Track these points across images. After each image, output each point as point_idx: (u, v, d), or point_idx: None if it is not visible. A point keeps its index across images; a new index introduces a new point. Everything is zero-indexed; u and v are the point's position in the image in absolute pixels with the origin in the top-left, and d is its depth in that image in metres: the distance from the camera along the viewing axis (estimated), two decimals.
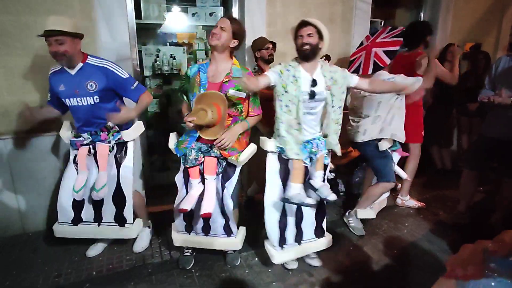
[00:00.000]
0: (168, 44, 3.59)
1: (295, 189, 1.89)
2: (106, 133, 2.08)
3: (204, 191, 1.96)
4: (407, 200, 3.08)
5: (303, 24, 1.91)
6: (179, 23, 3.40)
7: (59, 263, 2.21)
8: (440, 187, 3.52)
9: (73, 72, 1.97)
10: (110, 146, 2.09)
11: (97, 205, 2.16)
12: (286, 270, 2.14)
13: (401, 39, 2.40)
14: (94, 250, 2.31)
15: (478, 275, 0.50)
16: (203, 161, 1.96)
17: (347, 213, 2.68)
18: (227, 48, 1.93)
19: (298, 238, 2.12)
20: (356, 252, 2.36)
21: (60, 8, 2.36)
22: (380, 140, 2.46)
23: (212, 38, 1.87)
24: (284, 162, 2.00)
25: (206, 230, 2.10)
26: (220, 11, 3.24)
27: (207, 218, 2.01)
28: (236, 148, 1.96)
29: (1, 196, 2.48)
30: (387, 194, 2.99)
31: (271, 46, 2.66)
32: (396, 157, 2.61)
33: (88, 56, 2.01)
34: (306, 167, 1.99)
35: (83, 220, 2.18)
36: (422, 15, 4.07)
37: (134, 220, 2.23)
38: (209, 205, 1.91)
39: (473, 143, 3.04)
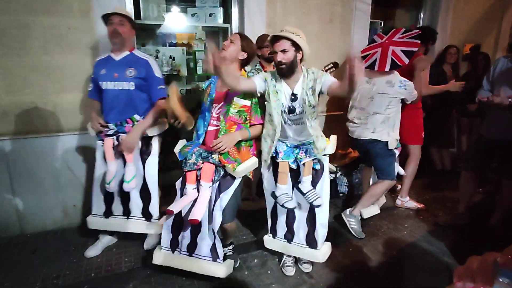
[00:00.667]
0: (167, 44, 3.58)
1: (281, 189, 1.99)
2: (131, 125, 2.13)
3: (198, 197, 1.91)
4: (406, 201, 3.08)
5: (275, 39, 1.80)
6: (179, 23, 3.40)
7: (58, 265, 2.21)
8: (440, 188, 3.52)
9: (117, 58, 2.14)
10: None
11: (125, 199, 2.23)
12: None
13: (419, 42, 2.42)
14: (93, 251, 2.30)
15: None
16: (201, 167, 1.92)
17: (347, 212, 2.65)
18: (236, 60, 1.95)
19: (289, 236, 2.15)
20: (356, 253, 2.36)
21: (59, 8, 2.36)
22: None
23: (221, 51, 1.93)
24: (275, 165, 2.04)
25: (192, 248, 1.96)
26: (220, 11, 3.23)
27: (196, 233, 1.94)
28: (238, 158, 1.91)
29: None
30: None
31: None
32: (397, 154, 2.63)
33: (135, 49, 2.20)
34: (298, 170, 2.01)
35: (113, 213, 2.27)
36: (422, 15, 4.06)
37: (161, 216, 2.24)
38: (199, 212, 1.84)
39: (472, 143, 3.04)
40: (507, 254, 0.49)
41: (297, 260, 2.21)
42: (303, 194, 1.96)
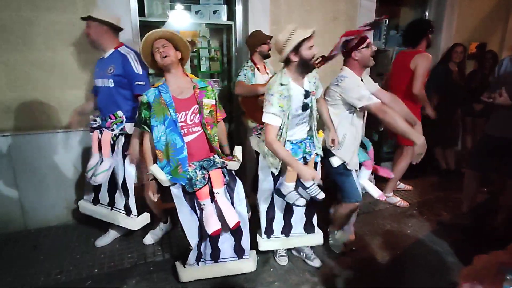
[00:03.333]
0: None
1: (289, 187, 1.95)
2: (113, 120, 2.15)
3: (220, 206, 1.84)
4: (389, 197, 3.07)
5: (312, 36, 1.72)
6: (182, 21, 3.38)
7: (60, 260, 2.22)
8: (443, 188, 3.49)
9: (105, 56, 2.17)
10: (112, 134, 2.14)
11: (112, 190, 2.27)
12: (288, 269, 2.13)
13: (366, 28, 2.00)
14: (103, 241, 2.38)
15: None
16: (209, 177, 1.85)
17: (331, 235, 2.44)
18: (177, 62, 1.86)
19: (286, 230, 2.17)
20: (359, 252, 2.35)
21: (62, 4, 2.35)
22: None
23: (164, 59, 1.78)
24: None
25: (215, 255, 1.99)
26: (224, 9, 3.21)
27: (216, 240, 1.95)
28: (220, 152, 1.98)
29: (3, 192, 2.49)
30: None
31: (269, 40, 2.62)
32: (365, 172, 2.19)
33: (123, 45, 2.17)
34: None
35: (100, 202, 2.33)
36: (427, 13, 4.03)
37: (140, 214, 2.26)
38: (233, 216, 1.83)
39: (477, 142, 3.01)
40: (511, 252, 0.48)
41: (306, 258, 2.22)
42: (306, 188, 1.96)
